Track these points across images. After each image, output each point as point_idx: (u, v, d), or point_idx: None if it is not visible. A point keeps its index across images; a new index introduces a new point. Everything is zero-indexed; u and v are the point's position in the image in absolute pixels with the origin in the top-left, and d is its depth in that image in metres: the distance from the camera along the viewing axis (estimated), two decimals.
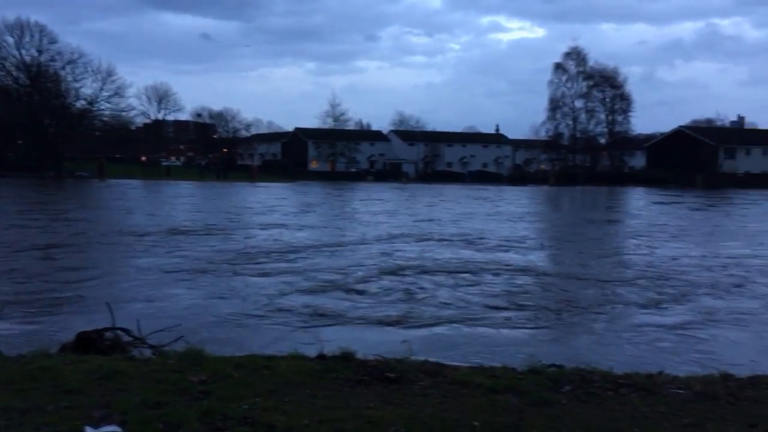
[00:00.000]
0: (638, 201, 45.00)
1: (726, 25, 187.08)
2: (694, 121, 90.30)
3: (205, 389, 4.84)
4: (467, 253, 16.58)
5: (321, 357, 5.93)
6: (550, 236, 22.68)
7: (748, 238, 21.40)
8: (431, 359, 6.21)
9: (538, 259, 16.22)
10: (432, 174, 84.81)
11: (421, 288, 11.85)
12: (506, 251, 17.29)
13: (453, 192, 53.18)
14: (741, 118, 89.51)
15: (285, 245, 17.63)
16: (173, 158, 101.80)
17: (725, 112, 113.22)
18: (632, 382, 5.45)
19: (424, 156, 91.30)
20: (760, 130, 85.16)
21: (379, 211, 31.30)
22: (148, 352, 6.63)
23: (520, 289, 11.91)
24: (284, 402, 4.63)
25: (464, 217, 28.09)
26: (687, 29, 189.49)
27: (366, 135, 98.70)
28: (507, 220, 27.48)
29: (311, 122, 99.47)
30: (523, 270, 14.09)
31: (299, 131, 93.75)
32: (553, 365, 6.23)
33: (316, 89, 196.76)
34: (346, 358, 5.80)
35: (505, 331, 9.04)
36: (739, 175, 69.35)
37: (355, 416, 4.43)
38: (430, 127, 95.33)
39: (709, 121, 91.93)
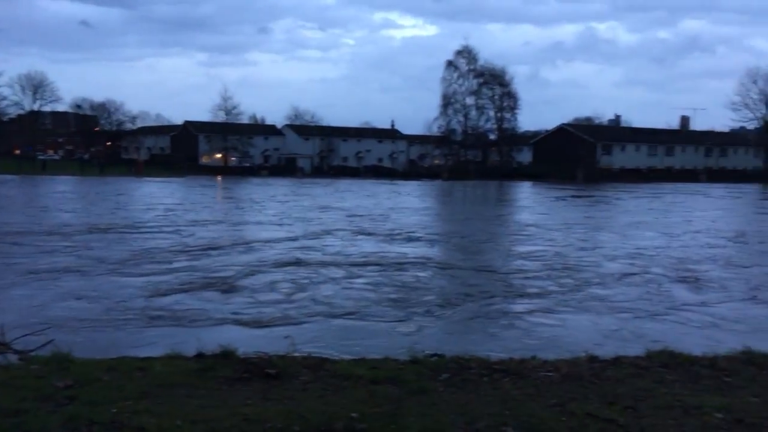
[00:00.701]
0: (527, 195, 47.06)
1: (603, 28, 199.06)
2: (576, 119, 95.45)
3: (70, 394, 4.58)
4: (367, 246, 16.71)
5: (200, 356, 5.78)
6: (446, 229, 23.24)
7: (636, 228, 22.90)
8: (314, 354, 6.21)
9: (432, 251, 16.59)
10: (328, 169, 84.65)
11: (312, 282, 11.82)
12: (403, 244, 17.58)
13: (349, 186, 53.37)
14: (617, 117, 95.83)
15: (177, 244, 17.03)
16: (51, 152, 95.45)
17: (603, 111, 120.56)
18: (506, 368, 5.70)
19: (319, 151, 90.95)
20: (634, 128, 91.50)
21: (278, 207, 30.90)
22: (14, 358, 6.20)
23: (415, 282, 12.15)
24: (157, 404, 4.47)
25: (362, 210, 28.28)
26: (568, 32, 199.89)
27: (260, 129, 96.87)
28: (407, 213, 27.90)
29: (202, 115, 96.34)
30: (419, 263, 14.37)
31: (189, 124, 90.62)
32: (435, 355, 6.40)
33: (207, 81, 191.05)
34: (226, 356, 5.68)
35: (392, 323, 9.18)
36: (615, 170, 74.18)
37: (232, 414, 4.35)
38: (325, 122, 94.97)
39: (588, 119, 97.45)
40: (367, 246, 17.08)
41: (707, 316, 9.88)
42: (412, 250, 16.36)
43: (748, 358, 6.30)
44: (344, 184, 58.36)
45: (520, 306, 10.44)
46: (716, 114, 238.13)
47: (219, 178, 67.54)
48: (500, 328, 9.23)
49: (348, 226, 21.91)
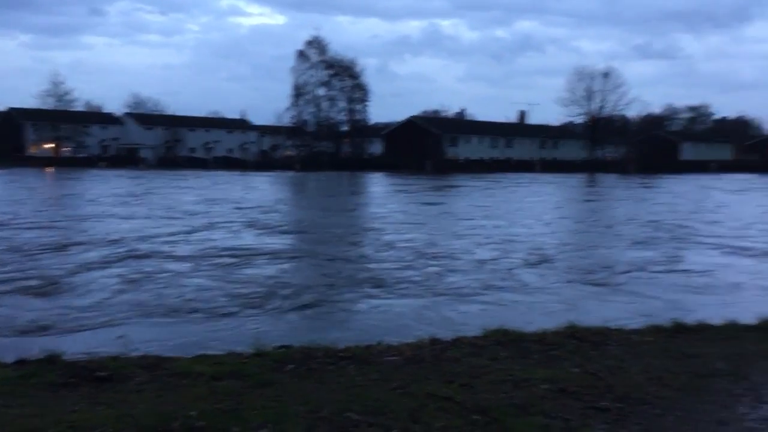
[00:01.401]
0: (380, 185, 48.00)
1: (446, 25, 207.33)
2: (424, 112, 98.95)
3: None
4: (218, 238, 16.16)
5: (21, 362, 5.28)
6: (301, 220, 23.07)
7: (504, 217, 24.03)
8: (151, 353, 5.89)
9: (286, 242, 16.40)
10: (174, 160, 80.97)
11: (152, 278, 11.24)
12: (257, 235, 17.23)
13: (197, 178, 51.41)
14: (462, 110, 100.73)
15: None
16: None
17: (449, 105, 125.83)
18: (351, 354, 5.76)
19: (164, 141, 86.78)
20: (478, 121, 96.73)
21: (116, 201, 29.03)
22: None
23: (266, 274, 11.93)
24: None
25: (211, 203, 27.33)
26: (414, 27, 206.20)
27: (97, 117, 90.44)
28: (258, 204, 27.34)
29: (29, 102, 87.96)
30: (272, 254, 14.14)
31: (14, 111, 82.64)
32: (282, 346, 6.33)
33: (35, 65, 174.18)
34: (50, 360, 5.23)
35: (241, 318, 8.96)
36: (461, 161, 77.83)
37: (56, 422, 4.01)
38: (170, 111, 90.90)
39: (436, 112, 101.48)
40: (219, 238, 16.56)
41: (549, 296, 10.65)
42: (264, 242, 16.10)
43: (572, 333, 6.85)
44: (192, 175, 56.18)
45: (371, 294, 10.61)
46: (549, 109, 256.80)
47: (49, 169, 62.25)
48: (349, 316, 9.33)
49: (201, 219, 21.12)
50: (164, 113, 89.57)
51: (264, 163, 77.98)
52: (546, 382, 5.08)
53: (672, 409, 4.69)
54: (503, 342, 6.43)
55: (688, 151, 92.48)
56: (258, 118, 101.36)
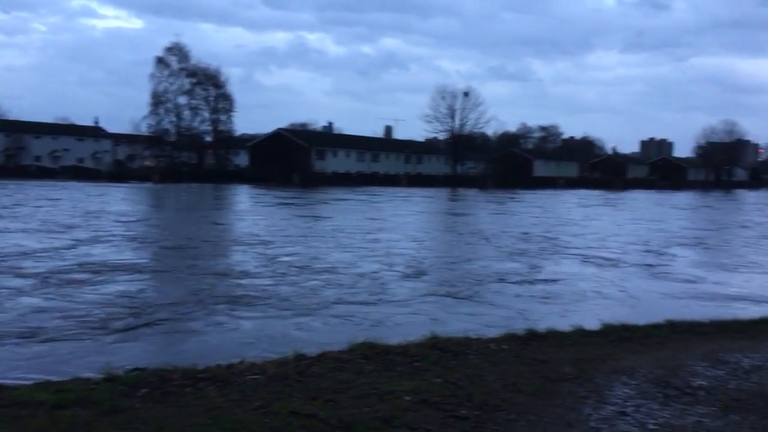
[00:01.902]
0: (247, 199, 46.88)
1: (313, 39, 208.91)
2: (292, 125, 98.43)
3: None
4: (68, 255, 14.93)
5: None
6: (160, 233, 21.92)
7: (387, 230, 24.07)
8: None
9: (143, 258, 15.50)
10: (16, 169, 74.46)
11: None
12: (112, 251, 16.13)
13: (38, 189, 47.53)
14: (330, 124, 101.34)
15: None
16: None
17: (316, 118, 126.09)
18: (212, 375, 5.53)
19: (5, 148, 79.65)
20: (345, 135, 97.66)
21: None
22: None
23: (123, 292, 11.18)
24: None
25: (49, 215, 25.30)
26: (280, 38, 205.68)
27: None
28: (111, 218, 25.66)
29: None
30: (128, 271, 13.29)
31: None
32: (136, 369, 5.96)
33: None
34: None
35: (92, 341, 8.33)
36: (329, 174, 78.09)
37: None
38: (12, 116, 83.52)
39: (303, 125, 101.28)
40: (68, 255, 15.35)
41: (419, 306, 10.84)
42: (120, 257, 15.14)
43: (434, 344, 7.04)
44: (32, 186, 51.92)
45: (238, 311, 10.27)
46: (414, 125, 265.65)
47: None
48: (211, 333, 8.97)
49: (44, 237, 19.48)
50: (5, 118, 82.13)
51: (119, 173, 73.64)
52: (409, 394, 5.16)
53: (525, 413, 4.93)
54: (369, 355, 6.46)
55: (540, 168, 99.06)
56: (113, 126, 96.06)
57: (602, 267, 16.02)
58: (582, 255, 18.03)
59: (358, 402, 4.96)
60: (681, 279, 14.54)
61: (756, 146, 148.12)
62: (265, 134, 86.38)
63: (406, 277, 13.76)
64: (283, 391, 5.20)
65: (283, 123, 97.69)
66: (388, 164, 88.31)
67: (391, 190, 64.37)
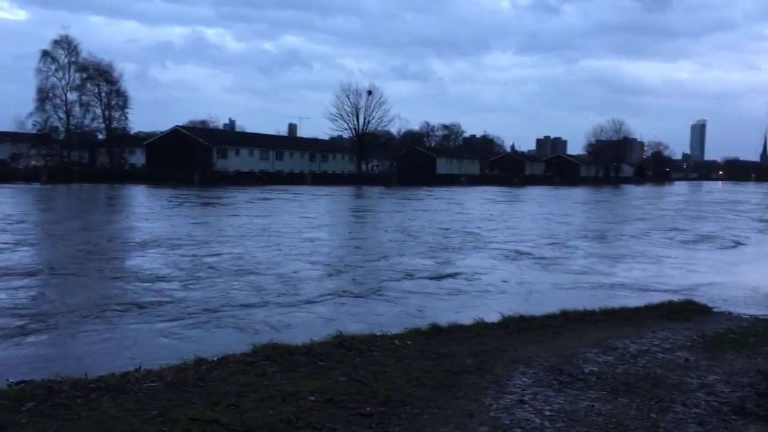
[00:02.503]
0: (144, 200, 44.97)
1: (212, 34, 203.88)
2: (191, 122, 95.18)
3: None
4: None
5: None
6: (55, 238, 20.60)
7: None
8: None
9: (27, 262, 14.51)
10: None
11: None
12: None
13: None
14: (232, 122, 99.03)
15: None
16: None
17: (217, 115, 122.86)
18: (105, 384, 5.26)
19: None
20: (248, 133, 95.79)
21: None
22: None
23: (6, 299, 10.42)
24: None
25: None
26: (176, 33, 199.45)
27: None
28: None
29: None
30: (14, 274, 12.40)
31: None
32: (21, 382, 5.59)
33: None
34: None
35: None
36: (231, 173, 76.33)
37: None
38: None
39: (203, 122, 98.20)
40: None
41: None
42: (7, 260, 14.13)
43: (339, 342, 7.02)
44: None
45: (131, 316, 9.83)
46: (319, 123, 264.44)
47: None
48: (103, 341, 8.53)
49: None
50: None
51: (2, 174, 68.83)
52: (314, 394, 5.12)
53: (428, 407, 5.01)
54: (272, 357, 6.36)
55: (443, 166, 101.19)
56: None
57: (510, 260, 16.59)
58: (496, 249, 18.65)
59: (262, 405, 4.87)
60: (577, 271, 15.29)
61: (641, 144, 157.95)
62: (163, 132, 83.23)
63: (319, 276, 13.68)
64: (183, 397, 5.02)
65: (181, 120, 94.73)
66: (293, 163, 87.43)
67: (296, 188, 63.78)
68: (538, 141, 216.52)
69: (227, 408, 4.78)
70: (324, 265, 15.11)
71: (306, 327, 9.07)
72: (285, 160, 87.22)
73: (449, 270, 14.83)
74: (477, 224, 27.58)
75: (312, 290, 12.06)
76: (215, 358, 6.30)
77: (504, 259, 16.95)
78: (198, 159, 72.55)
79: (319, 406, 4.88)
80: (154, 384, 5.31)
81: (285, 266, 14.72)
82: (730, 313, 10.21)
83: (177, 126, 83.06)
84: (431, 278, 13.73)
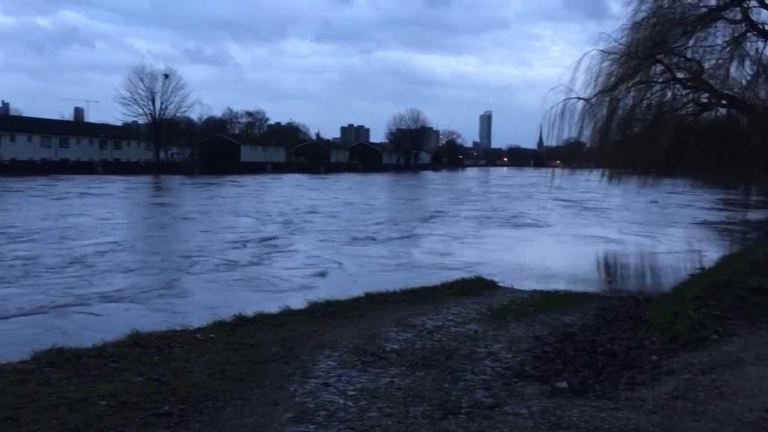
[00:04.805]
0: None
1: None
2: None
3: None
4: None
5: None
6: None
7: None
8: None
9: None
10: None
11: None
12: None
13: None
14: (6, 104, 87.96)
15: None
16: None
17: None
18: None
19: None
20: (25, 117, 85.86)
21: None
22: None
23: None
24: None
25: None
26: None
27: None
28: None
29: None
30: None
31: None
32: None
33: None
34: None
35: None
36: (6, 162, 68.14)
37: None
38: None
39: None
40: None
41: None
42: None
43: (135, 341, 6.59)
44: None
45: None
46: (110, 107, 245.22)
47: None
48: None
49: None
50: None
51: None
52: (106, 398, 4.75)
53: (232, 399, 4.90)
54: (57, 362, 5.79)
55: (247, 154, 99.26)
56: None
57: (346, 244, 16.76)
58: (321, 233, 18.69)
59: (44, 415, 4.41)
60: (386, 255, 15.90)
61: (437, 133, 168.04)
62: None
63: (111, 276, 12.75)
64: None
65: None
66: (80, 150, 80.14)
67: (84, 178, 58.70)
68: (343, 129, 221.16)
69: (2, 423, 4.26)
70: (117, 265, 14.12)
71: (98, 327, 8.42)
72: (71, 148, 79.72)
73: (274, 256, 14.65)
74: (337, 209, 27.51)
75: (109, 289, 11.22)
76: None
77: (344, 242, 17.12)
78: None
79: (112, 410, 4.54)
80: None
81: (68, 267, 13.51)
82: (513, 286, 11.28)
83: None
84: (245, 266, 13.47)
